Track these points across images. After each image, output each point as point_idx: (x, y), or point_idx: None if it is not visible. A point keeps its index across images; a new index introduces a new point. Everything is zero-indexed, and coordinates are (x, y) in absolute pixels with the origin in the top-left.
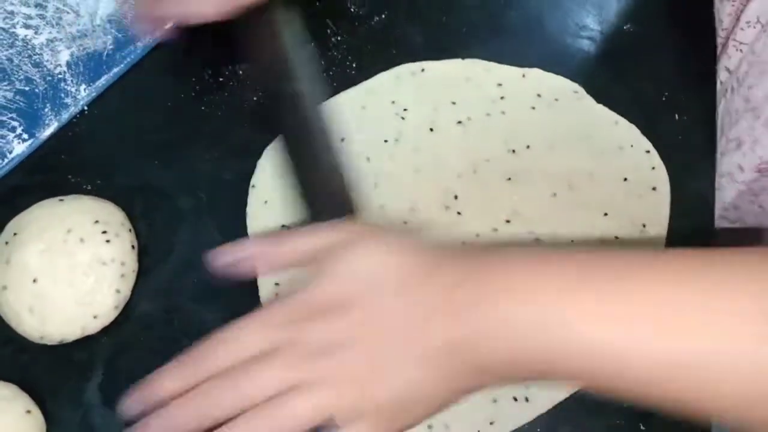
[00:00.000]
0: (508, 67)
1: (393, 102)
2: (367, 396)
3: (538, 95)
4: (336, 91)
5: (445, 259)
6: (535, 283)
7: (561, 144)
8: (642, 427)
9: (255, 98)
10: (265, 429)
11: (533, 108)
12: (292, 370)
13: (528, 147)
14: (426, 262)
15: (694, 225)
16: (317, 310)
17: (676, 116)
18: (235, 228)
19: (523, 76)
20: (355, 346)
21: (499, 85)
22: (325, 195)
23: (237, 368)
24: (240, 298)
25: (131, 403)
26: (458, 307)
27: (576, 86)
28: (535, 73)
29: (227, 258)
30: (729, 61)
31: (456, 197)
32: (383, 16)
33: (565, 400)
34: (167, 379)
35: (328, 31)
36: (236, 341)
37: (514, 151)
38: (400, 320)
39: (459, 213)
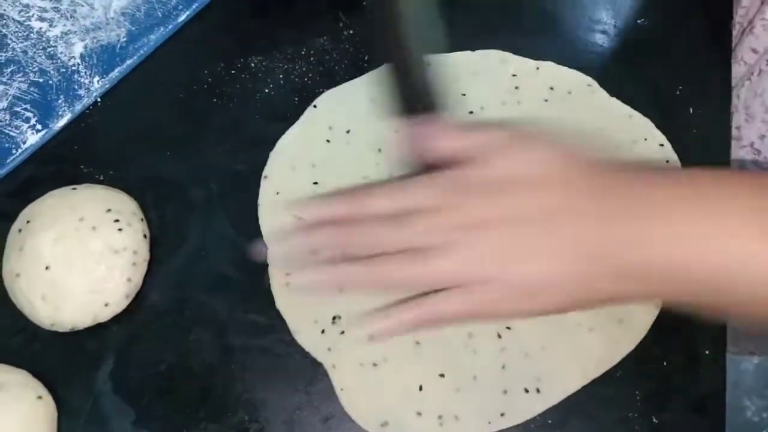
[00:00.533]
0: (523, 59)
1: None
2: (504, 272)
3: (551, 88)
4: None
5: (610, 171)
6: (691, 203)
7: (574, 137)
8: (654, 420)
9: (267, 90)
10: (408, 273)
11: (546, 101)
12: (446, 233)
13: None
14: (591, 167)
15: None
16: (485, 185)
17: (691, 109)
18: (247, 219)
19: (537, 68)
20: (509, 225)
21: (514, 75)
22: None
23: (401, 216)
24: (250, 288)
25: (301, 209)
26: (616, 214)
27: (589, 79)
28: (549, 66)
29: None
30: (757, 41)
31: None
32: None
33: (577, 392)
34: (336, 205)
35: (341, 24)
36: (404, 192)
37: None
38: (558, 212)
39: None
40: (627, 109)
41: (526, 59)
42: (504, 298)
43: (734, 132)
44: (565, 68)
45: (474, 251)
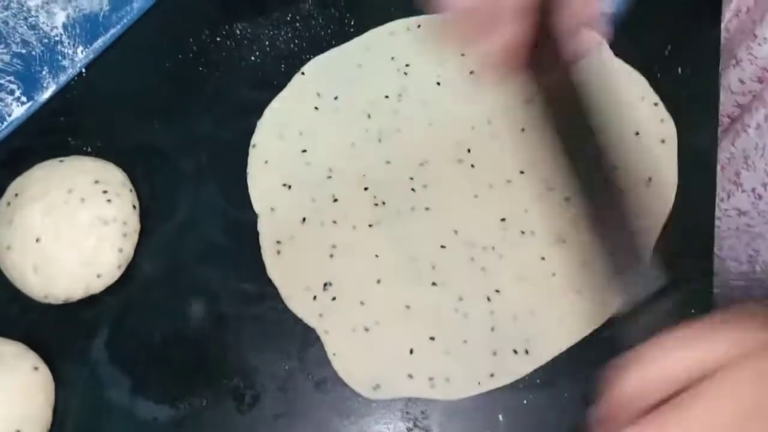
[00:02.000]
0: None
1: (393, 58)
2: None
3: None
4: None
5: None
6: None
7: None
8: None
9: (253, 57)
10: None
11: None
12: None
13: None
14: None
15: (697, 179)
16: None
17: (680, 69)
18: (236, 188)
19: None
20: None
21: None
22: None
23: None
24: (241, 256)
25: None
26: None
27: (599, 38)
28: None
29: None
30: (743, 72)
31: (469, 150)
32: None
33: (564, 352)
34: None
35: None
36: None
37: (531, 101)
38: None
39: (472, 166)
40: (629, 69)
41: None
42: None
43: (734, 177)
44: None
45: None
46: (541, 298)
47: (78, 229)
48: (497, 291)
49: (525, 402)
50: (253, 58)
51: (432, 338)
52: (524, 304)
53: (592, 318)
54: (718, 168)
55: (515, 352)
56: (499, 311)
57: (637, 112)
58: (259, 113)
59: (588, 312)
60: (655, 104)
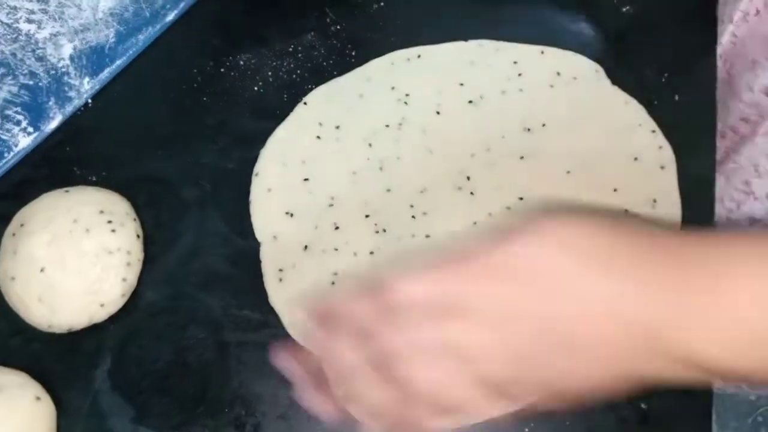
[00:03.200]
0: (524, 45)
1: (393, 88)
2: (523, 374)
3: (558, 73)
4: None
5: (646, 239)
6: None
7: (576, 123)
8: (643, 406)
9: (256, 88)
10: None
11: (552, 86)
12: (450, 331)
13: (544, 125)
14: (619, 241)
15: (696, 205)
16: (499, 271)
17: (676, 97)
18: (239, 216)
19: (542, 53)
20: (528, 319)
21: (515, 62)
22: None
23: (402, 317)
24: (244, 284)
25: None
26: (662, 286)
27: (597, 66)
28: (555, 52)
29: None
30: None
31: (468, 178)
32: (382, 3)
33: None
34: (344, 303)
35: (328, 19)
36: (410, 289)
37: (529, 129)
38: (583, 294)
39: (472, 193)
40: (624, 96)
41: (527, 45)
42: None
43: (743, 187)
44: (571, 53)
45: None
46: None
47: (82, 259)
48: None
49: (526, 431)
50: (256, 89)
51: None
52: None
53: None
54: (723, 179)
55: None
56: None
57: (635, 138)
58: (262, 142)
59: None
60: (653, 131)
